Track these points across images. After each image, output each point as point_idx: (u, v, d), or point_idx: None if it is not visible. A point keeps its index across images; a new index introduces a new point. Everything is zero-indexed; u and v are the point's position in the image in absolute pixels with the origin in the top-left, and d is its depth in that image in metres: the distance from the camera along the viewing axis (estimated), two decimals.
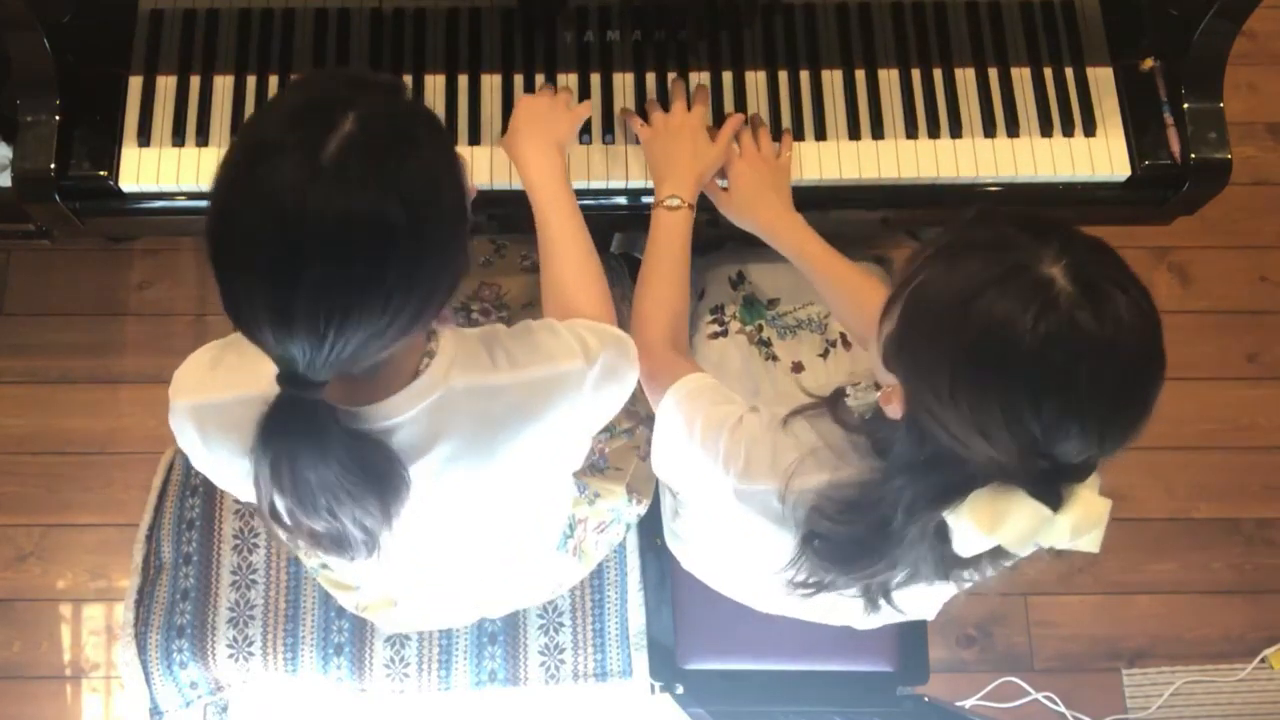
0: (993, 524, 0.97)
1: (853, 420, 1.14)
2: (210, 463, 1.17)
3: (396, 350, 0.98)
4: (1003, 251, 0.93)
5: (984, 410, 0.92)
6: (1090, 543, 1.00)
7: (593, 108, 1.53)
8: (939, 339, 0.94)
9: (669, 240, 1.42)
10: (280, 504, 1.01)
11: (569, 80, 1.54)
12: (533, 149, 1.40)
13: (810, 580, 1.17)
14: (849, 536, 1.09)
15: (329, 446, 0.97)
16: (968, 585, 1.19)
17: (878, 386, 1.10)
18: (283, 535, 1.06)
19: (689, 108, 1.50)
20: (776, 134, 1.53)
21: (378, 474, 1.02)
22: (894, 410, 1.02)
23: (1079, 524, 0.97)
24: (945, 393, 0.94)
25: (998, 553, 1.06)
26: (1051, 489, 0.96)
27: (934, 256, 0.98)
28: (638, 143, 1.52)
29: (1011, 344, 0.90)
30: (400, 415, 1.05)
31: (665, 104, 1.52)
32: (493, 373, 1.11)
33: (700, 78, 1.55)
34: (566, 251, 1.35)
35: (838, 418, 1.15)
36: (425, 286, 0.94)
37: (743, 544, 1.35)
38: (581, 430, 1.23)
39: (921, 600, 1.27)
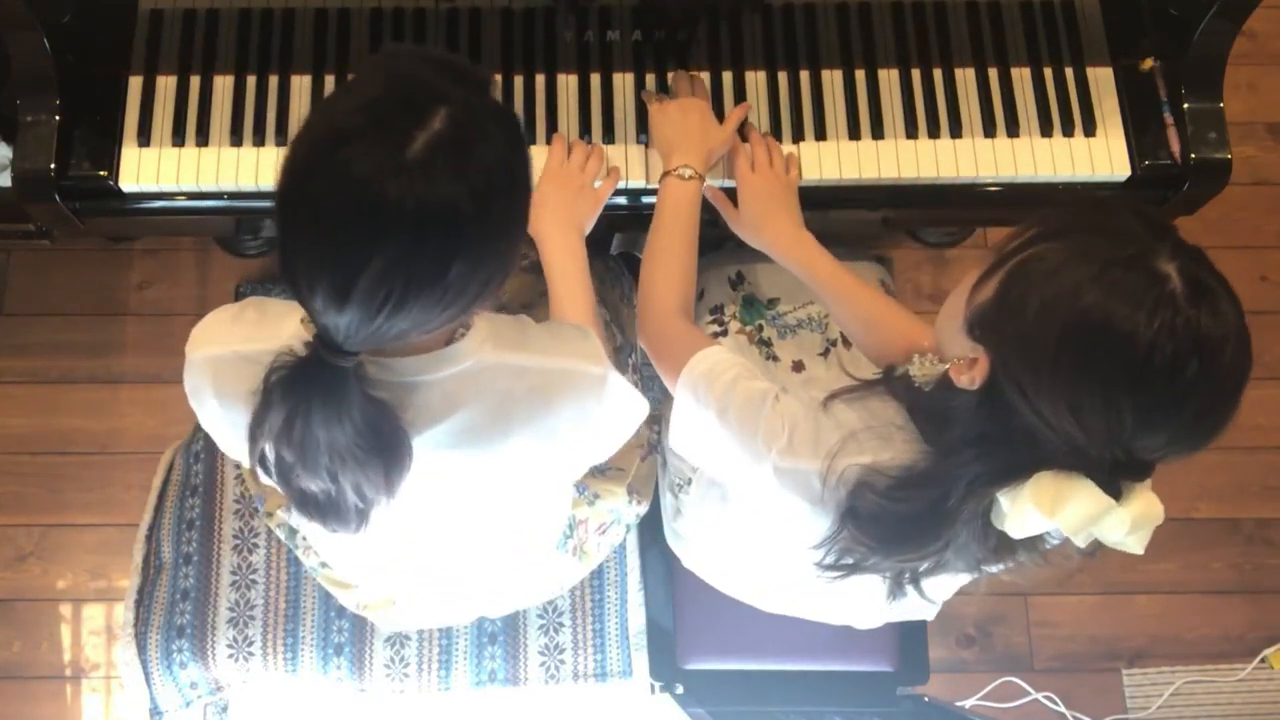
0: (1054, 506, 0.97)
1: (908, 394, 1.13)
2: (220, 419, 1.16)
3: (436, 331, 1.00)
4: (1123, 240, 0.94)
5: (1083, 391, 0.93)
6: (1138, 542, 1.01)
7: (593, 110, 1.53)
8: (1047, 315, 0.94)
9: (678, 210, 1.42)
10: (276, 455, 1.02)
11: (569, 80, 1.54)
12: (555, 230, 1.43)
13: (843, 562, 1.16)
14: (900, 513, 1.09)
15: (346, 408, 0.98)
16: (983, 575, 1.20)
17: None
18: (264, 481, 1.06)
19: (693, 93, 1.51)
20: (778, 136, 1.53)
21: (386, 441, 1.02)
22: (969, 380, 1.02)
23: (1138, 519, 0.98)
24: (1046, 368, 0.94)
25: (1032, 543, 1.06)
26: (1114, 482, 0.97)
27: (1046, 234, 0.99)
28: (639, 143, 1.53)
29: (1125, 331, 0.91)
30: (428, 374, 1.06)
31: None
32: (522, 352, 1.12)
33: (700, 78, 1.55)
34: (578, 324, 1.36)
35: (893, 391, 1.15)
36: (482, 279, 0.96)
37: (764, 527, 1.33)
38: (580, 447, 1.24)
39: (943, 590, 1.26)
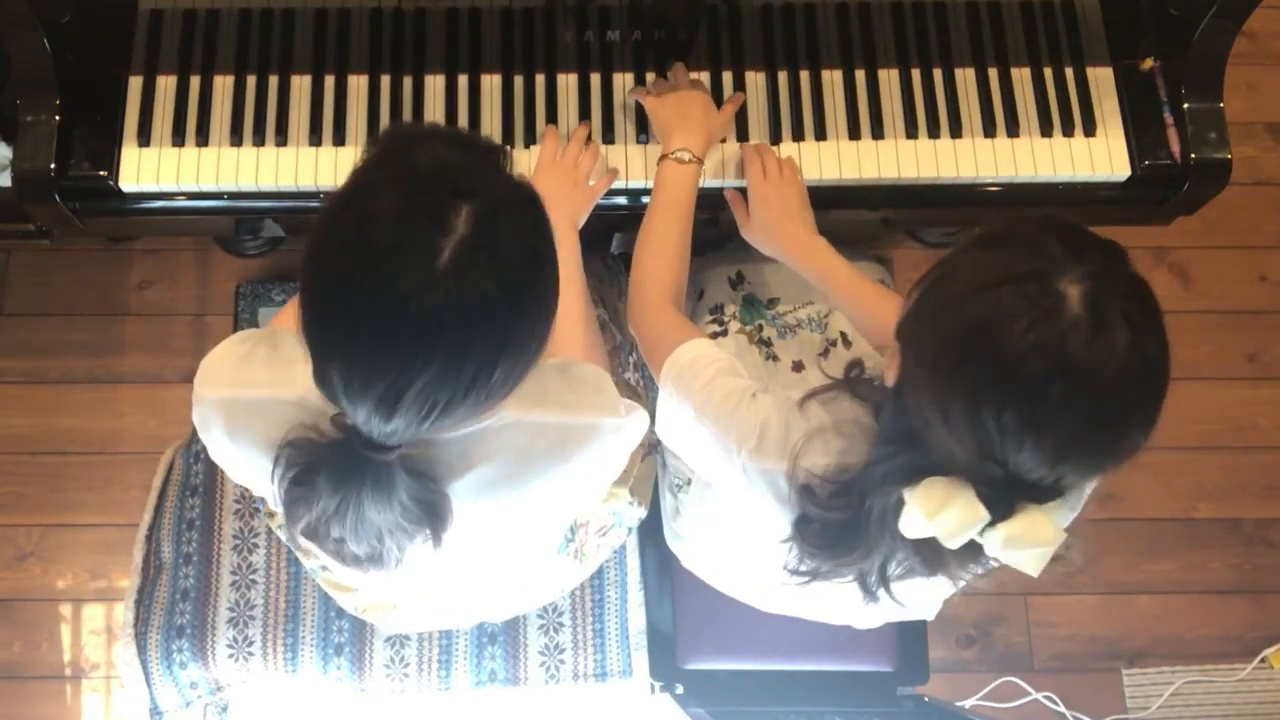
0: (935, 510, 0.97)
1: (867, 389, 1.14)
2: (232, 455, 1.16)
3: None
4: (1032, 254, 0.93)
5: (953, 394, 0.93)
6: (1027, 562, 1.00)
7: (593, 110, 1.53)
8: (942, 314, 0.96)
9: (676, 194, 1.42)
10: (322, 530, 1.02)
11: (569, 80, 1.54)
12: None
13: (803, 568, 1.17)
14: (835, 520, 1.10)
15: (394, 492, 0.99)
16: (963, 584, 1.19)
17: None
18: (306, 549, 1.07)
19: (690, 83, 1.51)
20: (778, 136, 1.53)
21: (433, 510, 1.03)
22: (889, 376, 1.04)
23: (1013, 538, 0.97)
24: (926, 368, 0.96)
25: (970, 557, 1.06)
26: (1004, 498, 0.96)
27: (971, 245, 1.00)
28: (639, 143, 1.53)
29: (999, 340, 0.90)
30: (446, 433, 1.05)
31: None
32: (543, 409, 1.11)
33: (700, 78, 1.55)
34: (573, 330, 1.36)
35: (854, 391, 1.15)
36: (525, 361, 0.96)
37: (743, 528, 1.34)
38: (594, 480, 1.24)
39: (920, 595, 1.27)
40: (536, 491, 1.15)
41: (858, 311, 1.41)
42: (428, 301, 0.87)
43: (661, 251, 1.40)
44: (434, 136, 0.97)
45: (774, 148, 1.53)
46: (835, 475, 1.10)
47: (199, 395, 1.14)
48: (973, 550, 1.02)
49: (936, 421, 0.96)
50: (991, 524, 0.97)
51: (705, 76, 1.55)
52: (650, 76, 1.55)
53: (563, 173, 1.46)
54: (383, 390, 0.90)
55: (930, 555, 1.07)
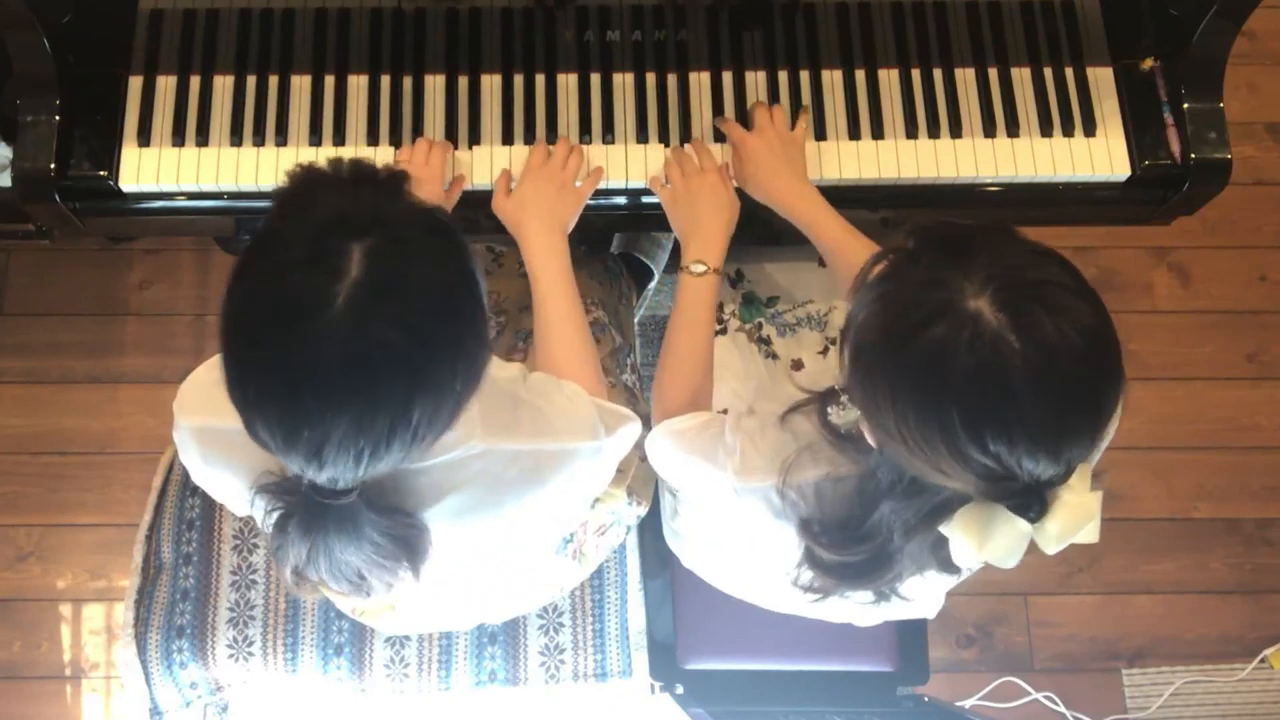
0: (980, 542, 0.96)
1: (838, 431, 1.14)
2: (209, 479, 1.17)
3: None
4: (929, 289, 0.92)
5: (930, 448, 0.92)
6: (1088, 535, 0.99)
7: (593, 110, 1.53)
8: (878, 382, 0.94)
9: (693, 306, 1.40)
10: (305, 572, 1.03)
11: (569, 80, 1.54)
12: (538, 233, 1.41)
13: (816, 586, 1.17)
14: (847, 563, 1.10)
15: (363, 532, 0.99)
16: (970, 575, 1.20)
17: None
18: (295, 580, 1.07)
19: (700, 165, 1.47)
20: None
21: (408, 544, 1.03)
22: (869, 442, 1.03)
23: (1064, 530, 0.96)
24: (894, 432, 0.94)
25: None
26: (1032, 499, 0.95)
27: (869, 294, 0.97)
28: (638, 143, 1.53)
29: (946, 382, 0.89)
30: (414, 464, 1.03)
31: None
32: (514, 437, 1.11)
33: (700, 78, 1.55)
34: (563, 334, 1.36)
35: (825, 423, 1.14)
36: (452, 401, 0.93)
37: (746, 545, 1.35)
38: (577, 496, 1.25)
39: (925, 589, 1.27)
40: (514, 513, 1.15)
41: (842, 265, 1.40)
42: (325, 352, 0.84)
43: (680, 370, 1.38)
44: (325, 178, 0.94)
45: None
46: (834, 511, 1.10)
47: (176, 421, 1.14)
48: None
49: (932, 474, 0.95)
50: (1037, 526, 0.96)
51: (705, 77, 1.55)
52: (650, 77, 1.55)
53: (550, 174, 1.46)
54: (304, 445, 0.88)
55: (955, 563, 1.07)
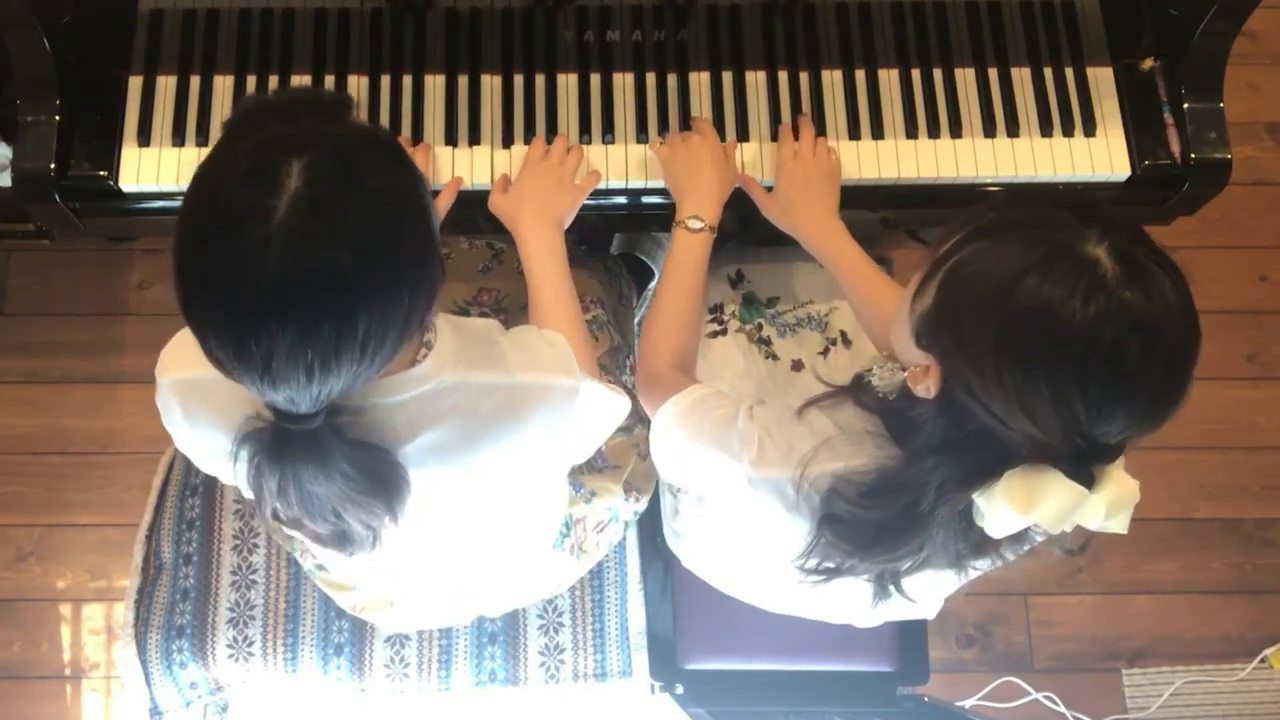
0: (1028, 504, 0.96)
1: (875, 402, 1.13)
2: (193, 440, 1.17)
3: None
4: (1047, 230, 0.93)
5: (1030, 389, 0.92)
6: (1120, 524, 1.00)
7: (593, 110, 1.53)
8: (983, 317, 0.93)
9: (685, 262, 1.40)
10: (284, 513, 1.03)
11: (569, 80, 1.54)
12: (534, 227, 1.41)
13: (824, 566, 1.16)
14: (873, 520, 1.08)
15: (332, 462, 0.98)
16: (975, 575, 1.19)
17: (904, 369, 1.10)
18: (284, 533, 1.08)
19: (702, 131, 1.48)
20: (778, 136, 1.53)
21: (380, 478, 1.03)
22: (926, 389, 1.01)
23: (1114, 503, 0.98)
24: (990, 371, 0.93)
25: (1017, 539, 1.06)
26: (1085, 469, 0.96)
27: (972, 234, 0.98)
28: (639, 143, 1.53)
29: (1060, 323, 0.89)
30: (388, 398, 1.05)
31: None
32: (487, 370, 1.11)
33: (700, 78, 1.55)
34: (558, 325, 1.35)
35: (860, 401, 1.14)
36: (400, 317, 0.94)
37: (750, 536, 1.34)
38: (558, 452, 1.24)
39: (926, 589, 1.27)
40: (492, 454, 1.13)
41: (864, 302, 1.40)
42: (267, 263, 0.86)
43: (670, 324, 1.39)
44: (270, 103, 0.96)
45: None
46: (861, 477, 1.09)
47: (158, 383, 1.15)
48: (1017, 538, 1.04)
49: (1017, 417, 0.94)
50: (1090, 494, 0.97)
51: (705, 77, 1.55)
52: (650, 77, 1.55)
53: (549, 169, 1.46)
54: (252, 359, 0.89)
55: (982, 542, 1.07)
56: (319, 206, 0.87)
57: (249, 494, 1.04)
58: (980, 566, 1.17)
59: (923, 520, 1.05)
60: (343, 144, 0.92)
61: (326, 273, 0.87)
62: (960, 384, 0.97)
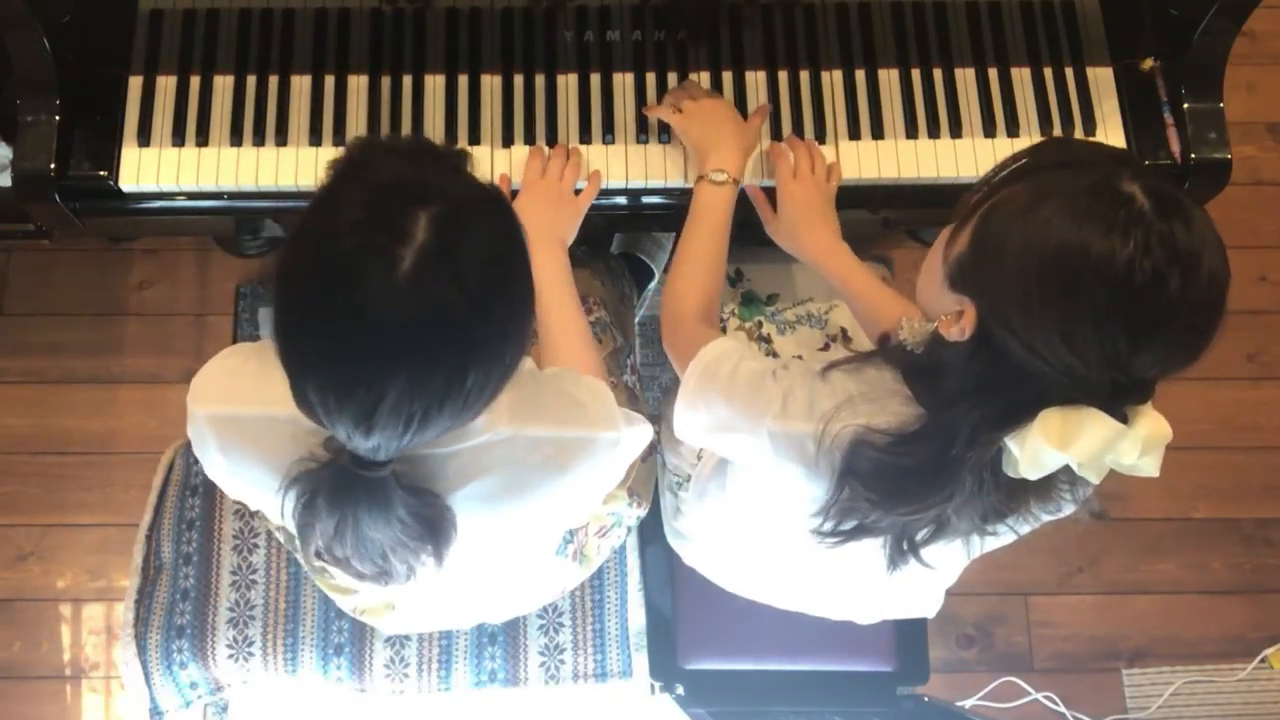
0: (1064, 440, 0.97)
1: (901, 358, 1.13)
2: (228, 475, 1.16)
3: None
4: (1085, 168, 0.96)
5: (1073, 320, 0.93)
6: (1152, 464, 1.01)
7: (593, 110, 1.53)
8: (1026, 251, 0.95)
9: (711, 216, 1.42)
10: (329, 551, 1.03)
11: (569, 80, 1.54)
12: (538, 245, 1.39)
13: (844, 526, 1.15)
14: (902, 467, 1.08)
15: (393, 509, 0.99)
16: (993, 547, 1.19)
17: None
18: (316, 564, 1.08)
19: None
20: (777, 137, 1.53)
21: (433, 525, 1.04)
22: (959, 331, 1.02)
23: (1149, 440, 0.98)
24: (1035, 304, 0.94)
25: (1044, 497, 1.07)
26: (1119, 406, 0.97)
27: (1010, 178, 1.00)
28: (639, 143, 1.53)
29: (1102, 254, 0.91)
30: (444, 448, 1.05)
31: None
32: (536, 425, 1.11)
33: (700, 78, 1.55)
34: (570, 346, 1.37)
35: (886, 356, 1.15)
36: (501, 369, 0.95)
37: (761, 511, 1.33)
38: (593, 490, 1.25)
39: (940, 558, 1.26)
40: (535, 503, 1.15)
41: (874, 320, 1.40)
42: (389, 312, 0.86)
43: (694, 274, 1.40)
44: (391, 148, 0.97)
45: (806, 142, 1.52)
46: (892, 428, 1.09)
47: (191, 412, 1.14)
48: (1049, 483, 1.05)
49: (1057, 350, 0.95)
50: (1125, 431, 0.98)
51: (705, 77, 1.55)
52: (650, 77, 1.55)
53: (548, 188, 1.46)
54: (357, 405, 0.90)
55: (1011, 494, 1.07)
56: (443, 260, 0.88)
57: (290, 529, 1.04)
58: (1001, 532, 1.16)
59: (954, 466, 1.05)
60: (463, 198, 0.93)
61: (446, 325, 0.88)
62: (999, 322, 0.98)
